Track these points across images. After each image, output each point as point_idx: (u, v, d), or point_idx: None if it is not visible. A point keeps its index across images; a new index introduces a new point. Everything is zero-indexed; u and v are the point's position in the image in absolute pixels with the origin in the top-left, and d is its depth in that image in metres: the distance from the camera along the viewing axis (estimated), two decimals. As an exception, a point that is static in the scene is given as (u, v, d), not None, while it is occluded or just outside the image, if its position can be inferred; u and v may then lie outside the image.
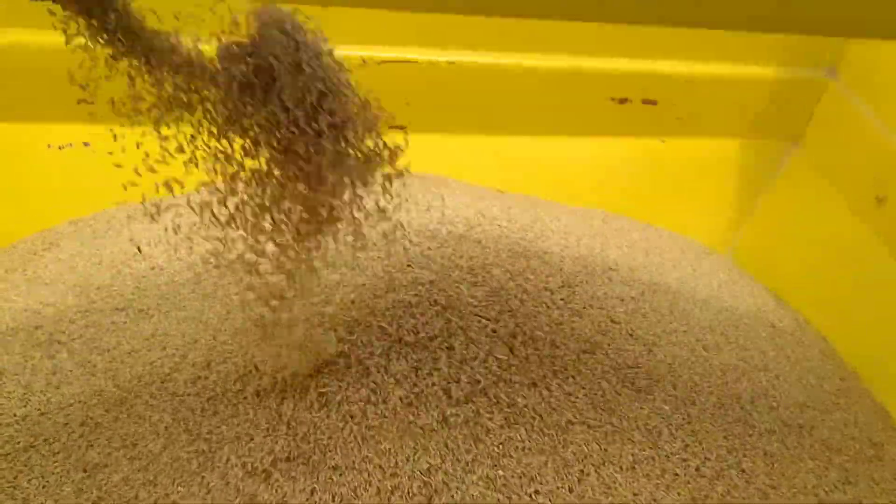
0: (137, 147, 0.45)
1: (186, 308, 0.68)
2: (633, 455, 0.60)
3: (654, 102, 0.95)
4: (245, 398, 0.59)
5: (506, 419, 0.59)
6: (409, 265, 0.69)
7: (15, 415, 0.58)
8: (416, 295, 0.66)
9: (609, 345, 0.68)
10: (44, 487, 0.53)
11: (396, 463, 0.55)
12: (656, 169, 0.98)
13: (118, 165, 0.48)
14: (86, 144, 0.82)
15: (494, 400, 0.60)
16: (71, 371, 0.62)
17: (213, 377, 0.61)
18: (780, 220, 0.96)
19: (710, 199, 1.00)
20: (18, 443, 0.56)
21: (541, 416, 0.60)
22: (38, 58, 0.73)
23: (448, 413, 0.58)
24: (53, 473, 0.54)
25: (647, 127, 0.97)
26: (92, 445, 0.56)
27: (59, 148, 0.82)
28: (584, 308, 0.70)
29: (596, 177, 0.97)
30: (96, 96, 0.41)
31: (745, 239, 0.99)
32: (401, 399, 0.59)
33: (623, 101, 0.95)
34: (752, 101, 0.98)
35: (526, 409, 0.60)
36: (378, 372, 0.60)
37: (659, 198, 0.98)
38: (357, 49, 0.84)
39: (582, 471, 0.58)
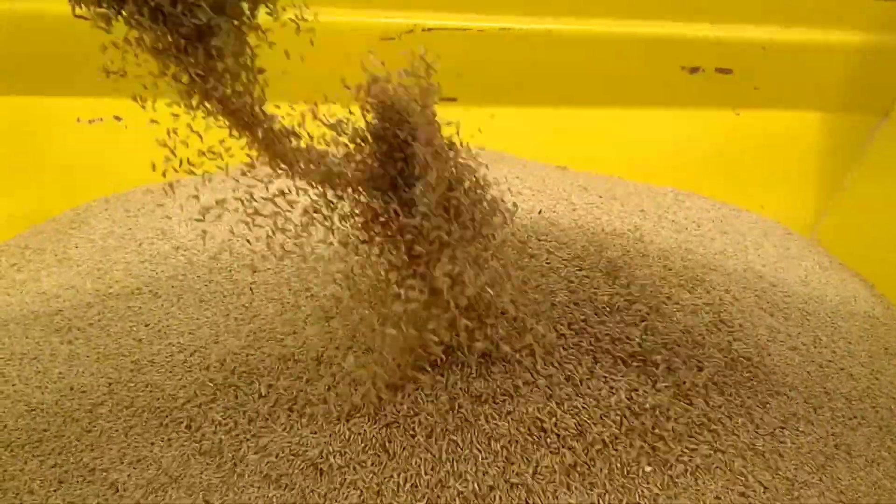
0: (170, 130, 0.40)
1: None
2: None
3: (728, 71, 0.88)
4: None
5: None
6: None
7: (30, 403, 0.54)
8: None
9: (723, 348, 0.60)
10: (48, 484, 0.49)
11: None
12: (730, 143, 0.91)
13: (163, 144, 0.41)
14: (117, 119, 0.77)
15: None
16: (88, 356, 0.57)
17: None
18: (869, 200, 0.88)
19: (791, 177, 0.92)
20: (32, 432, 0.52)
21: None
22: (64, 28, 0.69)
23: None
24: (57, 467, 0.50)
25: (720, 98, 0.90)
26: (93, 448, 0.51)
27: (89, 122, 0.77)
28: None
29: (665, 151, 0.90)
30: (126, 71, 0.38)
31: (830, 220, 0.90)
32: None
33: (695, 69, 0.87)
34: (836, 70, 0.89)
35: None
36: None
37: (733, 175, 0.90)
38: (402, 16, 0.79)
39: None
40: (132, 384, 0.55)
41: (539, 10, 0.83)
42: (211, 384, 0.54)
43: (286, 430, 0.51)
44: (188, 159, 0.41)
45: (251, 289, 0.63)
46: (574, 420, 0.51)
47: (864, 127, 0.91)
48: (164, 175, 0.41)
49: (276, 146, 0.41)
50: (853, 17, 0.87)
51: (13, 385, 0.56)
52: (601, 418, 0.52)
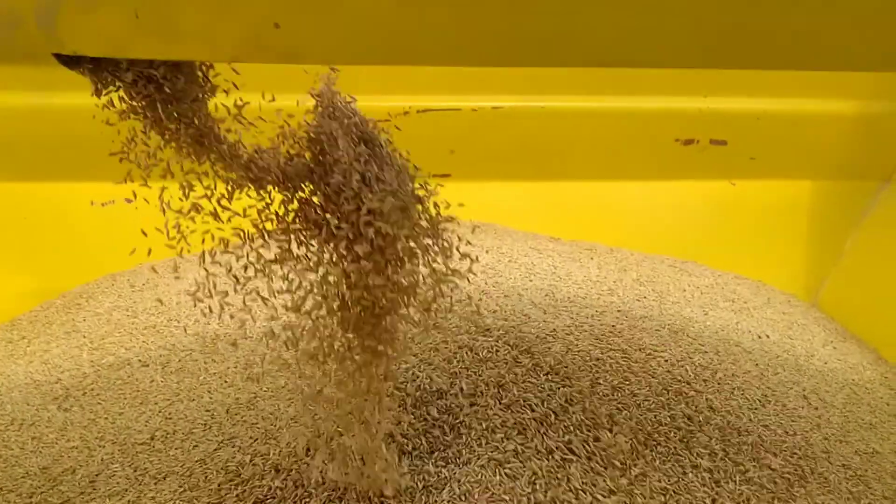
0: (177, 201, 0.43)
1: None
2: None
3: (723, 143, 0.89)
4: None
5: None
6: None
7: (25, 467, 0.56)
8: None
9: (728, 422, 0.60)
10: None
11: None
12: (727, 213, 0.91)
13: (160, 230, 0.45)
14: (128, 201, 0.82)
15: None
16: (79, 423, 0.60)
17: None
18: (871, 266, 0.87)
19: (789, 245, 0.92)
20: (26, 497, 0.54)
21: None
22: (79, 119, 0.74)
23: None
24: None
25: (716, 169, 0.91)
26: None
27: (102, 205, 0.82)
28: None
29: (662, 223, 0.91)
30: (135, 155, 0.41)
31: (832, 286, 0.89)
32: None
33: (689, 142, 0.89)
34: (832, 138, 0.90)
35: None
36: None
37: (732, 245, 0.91)
38: (397, 99, 0.82)
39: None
40: (108, 451, 0.57)
41: (532, 88, 0.86)
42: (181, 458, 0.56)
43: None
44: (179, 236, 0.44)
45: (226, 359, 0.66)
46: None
47: (860, 194, 0.90)
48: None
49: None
50: (847, 86, 0.88)
51: (10, 450, 0.58)
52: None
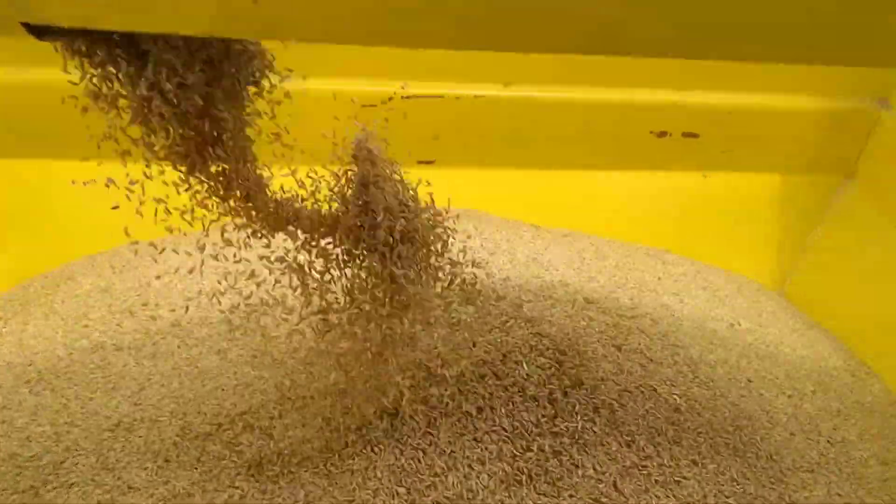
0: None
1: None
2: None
3: (695, 136, 0.91)
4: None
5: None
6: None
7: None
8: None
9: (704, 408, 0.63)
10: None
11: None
12: (698, 205, 0.94)
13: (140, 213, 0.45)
14: (109, 181, 0.81)
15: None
16: (51, 407, 0.59)
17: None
18: (835, 258, 0.90)
19: (757, 237, 0.95)
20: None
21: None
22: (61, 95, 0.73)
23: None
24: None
25: (688, 161, 0.93)
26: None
27: (84, 184, 0.81)
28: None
29: (635, 212, 0.93)
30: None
31: (798, 277, 0.93)
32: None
33: (662, 134, 0.91)
34: (800, 133, 0.93)
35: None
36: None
37: (702, 235, 0.93)
38: (382, 85, 0.83)
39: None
40: (74, 437, 0.57)
41: (513, 78, 0.86)
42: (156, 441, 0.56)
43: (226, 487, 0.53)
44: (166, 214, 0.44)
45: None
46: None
47: (827, 187, 0.93)
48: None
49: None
50: (814, 83, 0.91)
51: (-19, 432, 0.58)
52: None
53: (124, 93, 0.39)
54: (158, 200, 0.43)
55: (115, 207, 0.44)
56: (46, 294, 0.73)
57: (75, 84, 0.39)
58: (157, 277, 0.75)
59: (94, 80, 0.38)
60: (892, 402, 0.74)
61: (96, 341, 0.67)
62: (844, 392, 0.72)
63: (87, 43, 0.37)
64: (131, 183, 0.43)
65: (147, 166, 0.42)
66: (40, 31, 0.33)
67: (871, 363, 0.79)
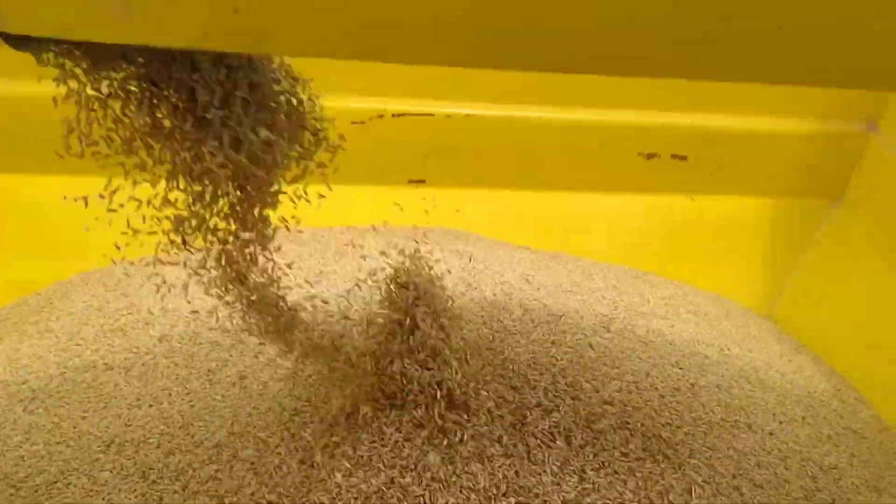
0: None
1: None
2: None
3: (683, 158, 0.92)
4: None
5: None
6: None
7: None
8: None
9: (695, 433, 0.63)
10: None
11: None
12: (687, 227, 0.94)
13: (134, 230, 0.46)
14: (101, 197, 0.81)
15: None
16: (44, 427, 0.60)
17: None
18: (823, 282, 0.91)
19: (745, 260, 0.95)
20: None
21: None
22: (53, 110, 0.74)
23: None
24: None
25: (676, 183, 0.94)
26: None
27: (75, 200, 0.81)
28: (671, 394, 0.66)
29: (623, 234, 0.94)
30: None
31: (786, 301, 0.93)
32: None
33: (651, 156, 0.92)
34: (788, 157, 0.94)
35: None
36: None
37: (690, 257, 0.94)
38: (372, 102, 0.84)
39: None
40: (66, 457, 0.57)
41: (503, 98, 0.87)
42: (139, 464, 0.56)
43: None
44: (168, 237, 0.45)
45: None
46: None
47: (815, 211, 0.94)
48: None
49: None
50: (803, 107, 0.92)
51: (-26, 452, 0.58)
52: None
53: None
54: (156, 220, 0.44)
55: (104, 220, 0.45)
56: (41, 311, 0.74)
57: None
58: (149, 296, 0.75)
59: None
60: (881, 427, 0.74)
61: (88, 360, 0.67)
62: (834, 417, 0.72)
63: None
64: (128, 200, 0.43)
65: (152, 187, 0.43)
66: (18, 42, 0.33)
67: (860, 387, 0.80)
